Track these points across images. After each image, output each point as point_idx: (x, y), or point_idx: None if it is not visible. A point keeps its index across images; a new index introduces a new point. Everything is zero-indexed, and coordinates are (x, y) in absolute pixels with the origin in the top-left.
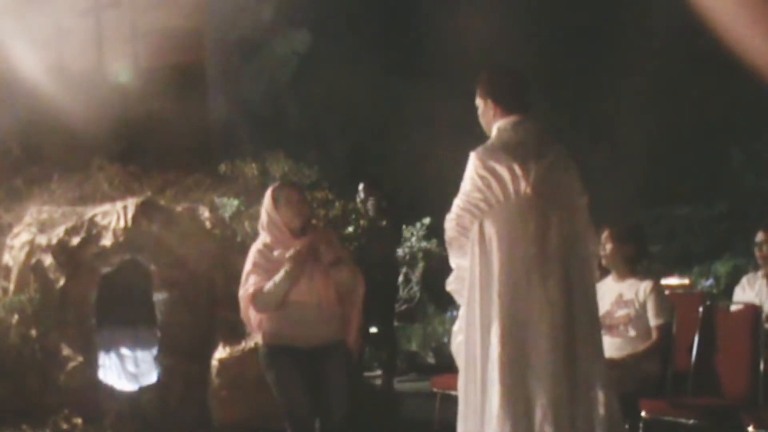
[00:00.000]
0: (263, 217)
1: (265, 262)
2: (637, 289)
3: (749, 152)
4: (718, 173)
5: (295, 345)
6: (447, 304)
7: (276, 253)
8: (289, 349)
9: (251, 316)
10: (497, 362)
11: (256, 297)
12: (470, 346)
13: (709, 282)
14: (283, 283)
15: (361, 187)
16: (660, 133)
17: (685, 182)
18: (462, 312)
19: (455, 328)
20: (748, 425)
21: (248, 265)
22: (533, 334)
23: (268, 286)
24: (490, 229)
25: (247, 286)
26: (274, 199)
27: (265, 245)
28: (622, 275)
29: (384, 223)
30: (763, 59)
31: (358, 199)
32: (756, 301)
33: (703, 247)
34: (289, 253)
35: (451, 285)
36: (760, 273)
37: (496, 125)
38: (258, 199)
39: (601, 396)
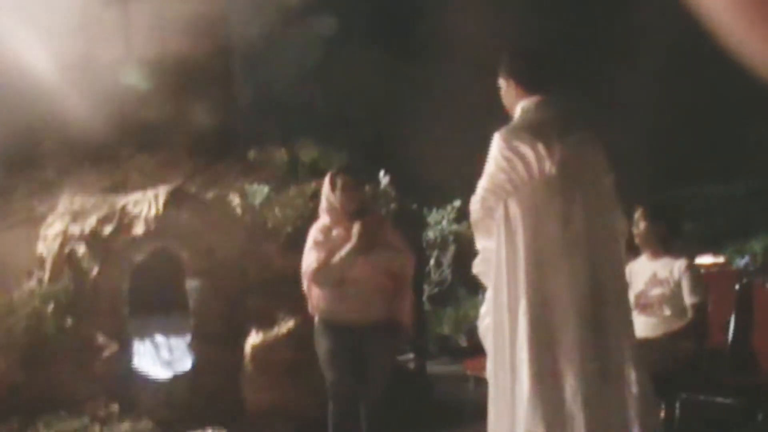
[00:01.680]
0: (323, 201)
1: (325, 240)
2: (672, 268)
3: None
4: (751, 150)
5: (346, 323)
6: (478, 287)
7: (335, 233)
8: (341, 327)
9: (313, 291)
10: (526, 344)
11: (319, 271)
12: (498, 329)
13: (745, 260)
14: (349, 257)
15: (382, 173)
16: (692, 111)
17: (718, 160)
18: (489, 294)
19: (482, 311)
20: None
21: (309, 243)
22: (561, 315)
23: (335, 259)
24: (515, 210)
25: (310, 261)
26: (332, 184)
27: (325, 226)
28: (656, 254)
29: (414, 206)
30: (762, 58)
31: (384, 184)
32: None
33: (736, 224)
34: (356, 228)
35: (477, 267)
36: None
37: (519, 105)
38: (288, 185)
39: (633, 375)
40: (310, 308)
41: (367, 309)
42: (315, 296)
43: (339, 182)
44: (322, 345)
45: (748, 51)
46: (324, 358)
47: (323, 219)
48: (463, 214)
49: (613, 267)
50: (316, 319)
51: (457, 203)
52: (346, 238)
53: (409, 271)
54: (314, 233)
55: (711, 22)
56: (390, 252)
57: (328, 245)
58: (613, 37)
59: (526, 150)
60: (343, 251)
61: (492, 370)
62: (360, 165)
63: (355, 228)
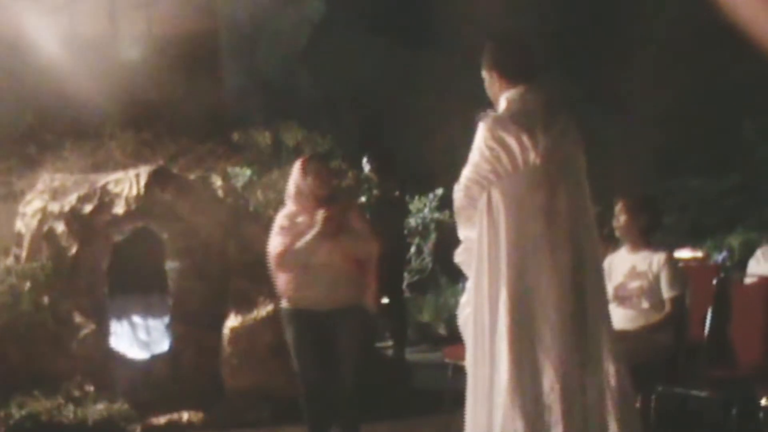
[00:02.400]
0: (291, 188)
1: (291, 225)
2: (651, 261)
3: (762, 125)
4: (731, 146)
5: (314, 308)
6: (459, 275)
7: (301, 218)
8: (308, 312)
9: (279, 275)
10: (505, 334)
11: (284, 255)
12: (478, 318)
13: (723, 255)
14: (312, 243)
15: (365, 160)
16: (673, 106)
17: (698, 155)
18: (470, 284)
19: (462, 300)
20: (762, 397)
21: (275, 229)
22: (541, 306)
23: (299, 244)
24: (498, 200)
25: (275, 245)
26: (304, 170)
27: (292, 211)
28: (636, 247)
29: (397, 193)
30: None
31: (366, 170)
32: None
33: (715, 219)
34: (320, 215)
35: (459, 257)
36: None
37: (503, 96)
38: (271, 168)
39: (611, 368)
40: (278, 292)
41: (332, 294)
42: (281, 281)
43: (312, 168)
44: (289, 330)
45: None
46: (292, 344)
47: (290, 205)
48: (445, 203)
49: (594, 259)
50: (283, 305)
51: (440, 191)
52: (312, 224)
53: (375, 258)
54: (280, 219)
55: (733, 15)
56: (356, 238)
57: (294, 231)
58: (606, 34)
59: (510, 140)
60: (307, 236)
61: (471, 359)
62: (344, 150)
63: (319, 214)
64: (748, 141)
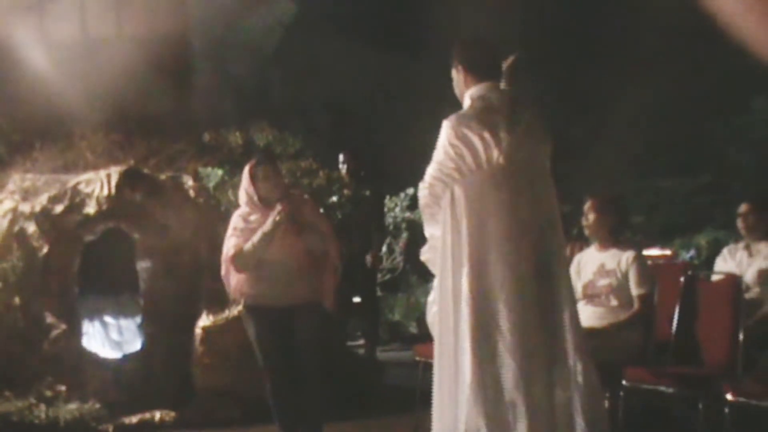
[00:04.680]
0: (241, 194)
1: (244, 226)
2: (620, 259)
3: (731, 127)
4: (701, 147)
5: (271, 304)
6: (429, 274)
7: (253, 218)
8: (266, 308)
9: (231, 277)
10: (468, 332)
11: (236, 256)
12: (444, 316)
13: (691, 253)
14: (261, 243)
15: (341, 157)
16: (644, 107)
17: (669, 155)
18: (436, 282)
19: (430, 299)
20: (727, 393)
21: (229, 230)
22: (504, 304)
23: (247, 246)
24: (461, 197)
25: (228, 247)
26: (252, 176)
27: (245, 213)
28: (605, 245)
29: (367, 192)
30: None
31: (342, 170)
32: (736, 271)
33: (684, 219)
34: (272, 216)
35: (425, 255)
36: (741, 244)
37: (468, 93)
38: (242, 168)
39: (579, 365)
40: (232, 293)
41: (288, 290)
42: (238, 281)
43: (259, 173)
44: (249, 328)
45: (759, 47)
46: (253, 341)
47: (243, 206)
48: (416, 202)
49: (559, 255)
50: (242, 303)
51: (411, 191)
52: (265, 223)
53: (332, 254)
54: (234, 220)
55: (723, 19)
56: (310, 234)
57: (247, 232)
58: (579, 36)
59: (473, 138)
60: (255, 237)
61: (438, 356)
62: (315, 150)
63: (273, 215)
64: (718, 143)
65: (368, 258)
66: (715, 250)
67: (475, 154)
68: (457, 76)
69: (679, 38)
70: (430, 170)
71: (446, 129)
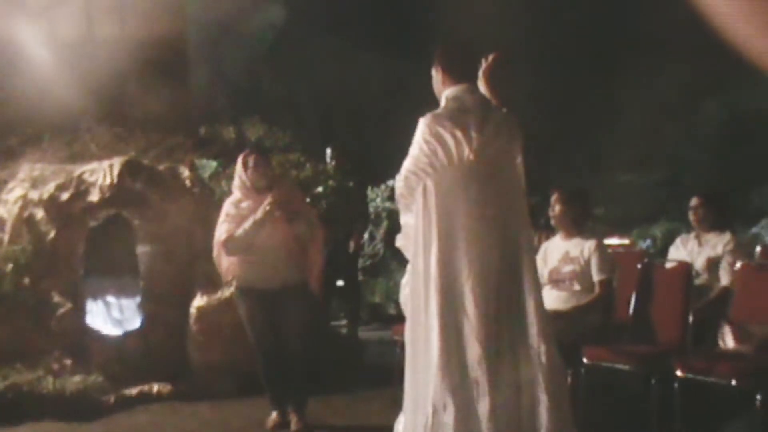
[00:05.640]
0: (235, 179)
1: (236, 212)
2: (582, 248)
3: (683, 127)
4: (657, 145)
5: (261, 286)
6: (407, 259)
7: (244, 205)
8: (256, 290)
9: (222, 260)
10: (436, 313)
11: (228, 241)
12: (415, 297)
13: (648, 243)
14: (252, 229)
15: (328, 151)
16: (606, 107)
17: (628, 152)
18: (409, 266)
19: (403, 281)
20: (677, 369)
21: (222, 216)
22: (469, 288)
23: (239, 231)
24: (432, 190)
25: (220, 232)
26: (244, 164)
27: (237, 200)
28: (569, 234)
29: (351, 184)
30: (758, 50)
31: (330, 164)
32: (688, 259)
33: (641, 210)
34: (263, 205)
35: (399, 241)
36: (692, 234)
37: (444, 93)
38: (234, 160)
39: (543, 346)
40: (224, 276)
41: (277, 274)
42: (230, 264)
43: (250, 162)
44: (241, 308)
45: (752, 51)
46: (245, 320)
47: (236, 194)
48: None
49: (525, 244)
50: (234, 285)
51: (391, 182)
52: (255, 210)
53: (318, 240)
54: (227, 207)
55: (717, 22)
56: (298, 221)
57: (238, 218)
58: (545, 43)
59: (446, 136)
60: (247, 223)
61: (410, 333)
62: (303, 144)
63: (265, 202)
64: (672, 141)
65: (351, 243)
66: (669, 240)
67: (447, 151)
68: (436, 76)
69: (638, 45)
70: (406, 164)
71: (422, 126)
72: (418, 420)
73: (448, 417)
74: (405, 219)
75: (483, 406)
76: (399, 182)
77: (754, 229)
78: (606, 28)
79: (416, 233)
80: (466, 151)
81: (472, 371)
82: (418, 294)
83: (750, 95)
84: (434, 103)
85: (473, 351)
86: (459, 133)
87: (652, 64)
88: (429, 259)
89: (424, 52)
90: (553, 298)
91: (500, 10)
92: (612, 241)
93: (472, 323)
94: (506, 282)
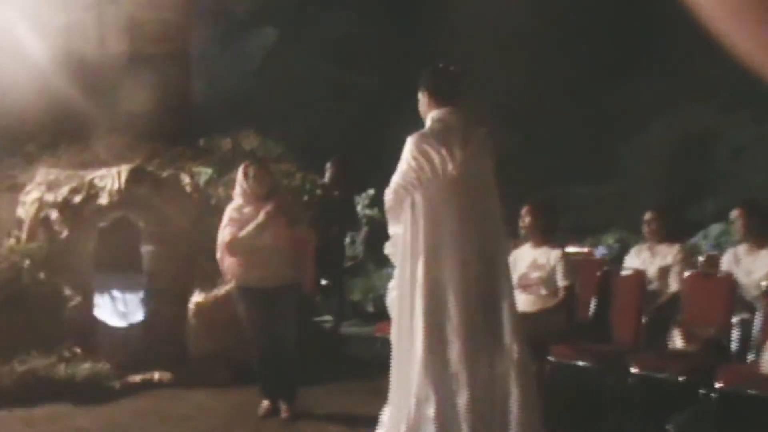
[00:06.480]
0: (237, 187)
1: (238, 217)
2: (549, 256)
3: (631, 145)
4: (608, 161)
5: (259, 285)
6: (385, 262)
7: (246, 210)
8: (255, 289)
9: (225, 261)
10: (421, 314)
11: (232, 243)
12: (402, 301)
13: (604, 251)
14: (254, 232)
15: (328, 165)
16: (563, 128)
17: (582, 167)
18: (396, 272)
19: (390, 285)
20: (632, 366)
21: (225, 220)
22: (452, 292)
23: (242, 233)
24: (420, 203)
25: (224, 234)
26: (245, 174)
27: (239, 205)
28: (537, 243)
29: (336, 193)
30: (750, 54)
31: (327, 175)
32: (642, 267)
33: (592, 221)
34: (264, 210)
35: (388, 249)
36: (645, 245)
37: (430, 115)
38: (231, 169)
39: (515, 345)
40: (225, 274)
41: (275, 274)
42: (231, 264)
43: (250, 172)
44: (240, 306)
45: (742, 52)
46: (243, 316)
47: (237, 200)
48: (375, 201)
49: (500, 252)
50: (234, 284)
51: (371, 191)
52: (256, 215)
53: (311, 243)
54: (229, 212)
55: (706, 22)
56: (294, 226)
57: (240, 222)
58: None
59: (433, 154)
60: (250, 226)
61: (395, 333)
62: (294, 155)
63: (265, 210)
64: (621, 158)
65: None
66: (622, 248)
67: (433, 167)
68: (422, 98)
69: (596, 67)
70: (395, 179)
71: (410, 145)
72: (402, 411)
73: (430, 408)
74: (394, 229)
75: (462, 399)
76: (388, 195)
77: (693, 240)
78: (572, 53)
79: (404, 242)
80: (450, 166)
81: (453, 367)
82: (404, 297)
83: (695, 116)
84: (412, 119)
85: (454, 349)
86: (444, 151)
87: (607, 86)
88: (416, 266)
89: (399, 71)
90: (521, 301)
91: (473, 29)
92: (572, 249)
93: (454, 324)
94: (484, 286)
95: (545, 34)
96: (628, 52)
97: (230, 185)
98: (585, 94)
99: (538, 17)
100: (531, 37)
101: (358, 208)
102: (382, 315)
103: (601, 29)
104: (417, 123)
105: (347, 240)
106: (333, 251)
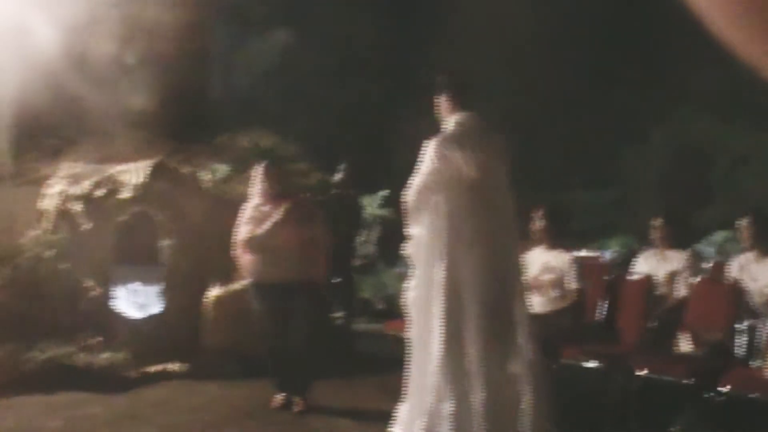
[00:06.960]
0: (255, 186)
1: (256, 215)
2: (560, 259)
3: (636, 151)
4: (609, 168)
5: (275, 282)
6: (395, 261)
7: (264, 209)
8: (270, 285)
9: (242, 257)
10: (439, 315)
11: (250, 240)
12: (423, 301)
13: (613, 255)
14: (272, 229)
15: (342, 166)
16: (565, 135)
17: (583, 174)
18: (418, 272)
19: (408, 285)
20: (638, 368)
21: (242, 218)
22: (469, 293)
23: (260, 231)
24: (442, 205)
25: (242, 232)
26: (264, 173)
27: (256, 204)
28: (550, 246)
29: (349, 193)
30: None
31: (339, 175)
32: (651, 273)
33: (596, 225)
34: (281, 209)
35: (409, 249)
36: (653, 251)
37: (451, 118)
38: (247, 166)
39: (528, 344)
40: (241, 271)
41: (290, 271)
42: (247, 261)
43: (268, 172)
44: (255, 302)
45: (745, 55)
46: (258, 312)
47: (255, 199)
48: (388, 202)
49: (513, 254)
50: (249, 280)
51: (385, 192)
52: (273, 213)
53: (327, 241)
54: (248, 211)
55: (708, 25)
56: (313, 225)
57: (257, 220)
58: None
59: (453, 156)
60: (267, 224)
61: (415, 333)
62: (310, 156)
63: (283, 207)
64: (622, 164)
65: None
66: (628, 253)
67: (453, 170)
68: (441, 102)
69: (596, 78)
70: (417, 181)
71: (432, 148)
72: (419, 408)
73: (447, 406)
74: (415, 230)
75: (478, 398)
76: (410, 197)
77: (697, 246)
78: (574, 61)
79: (425, 244)
80: (470, 170)
81: (470, 367)
82: (423, 298)
83: (696, 125)
84: (425, 124)
85: (471, 349)
86: (464, 154)
87: (608, 94)
88: (437, 267)
89: (412, 77)
90: (533, 303)
91: (478, 38)
92: (581, 253)
93: (472, 324)
94: (500, 287)
95: (548, 43)
96: (630, 61)
97: (247, 182)
98: (586, 102)
99: (540, 26)
100: (534, 45)
101: (371, 208)
102: (391, 312)
103: (604, 38)
104: (427, 126)
105: (361, 239)
106: (344, 249)
